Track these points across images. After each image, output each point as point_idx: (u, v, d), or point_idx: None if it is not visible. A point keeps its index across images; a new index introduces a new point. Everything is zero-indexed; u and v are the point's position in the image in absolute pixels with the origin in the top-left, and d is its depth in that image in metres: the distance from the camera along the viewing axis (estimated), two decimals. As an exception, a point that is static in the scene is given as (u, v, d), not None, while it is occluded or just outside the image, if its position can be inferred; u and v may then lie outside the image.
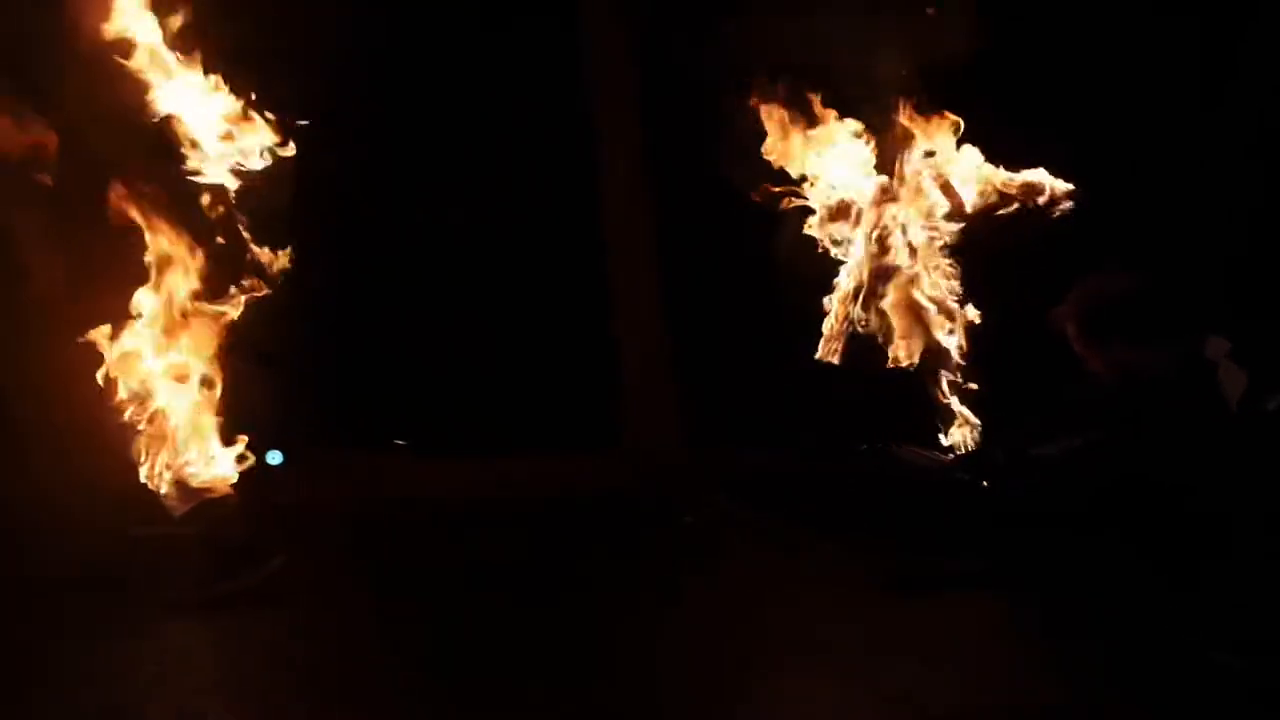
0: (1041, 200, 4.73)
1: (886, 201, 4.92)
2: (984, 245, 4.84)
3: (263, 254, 4.13)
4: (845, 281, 4.98)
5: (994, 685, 3.17)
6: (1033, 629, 3.65)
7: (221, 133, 4.01)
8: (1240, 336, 3.74)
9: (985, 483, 4.33)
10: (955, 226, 4.87)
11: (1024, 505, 4.10)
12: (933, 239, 4.89)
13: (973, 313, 4.89)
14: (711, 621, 3.75)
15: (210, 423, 4.02)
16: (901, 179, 4.90)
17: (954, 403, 4.88)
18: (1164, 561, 3.57)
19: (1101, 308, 3.98)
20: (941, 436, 4.89)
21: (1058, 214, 4.71)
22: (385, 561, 4.70)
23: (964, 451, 4.77)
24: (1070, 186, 4.71)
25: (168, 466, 3.94)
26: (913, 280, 4.88)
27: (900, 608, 3.80)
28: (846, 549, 4.42)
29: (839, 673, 3.27)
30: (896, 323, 4.90)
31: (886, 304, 4.93)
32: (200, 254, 3.98)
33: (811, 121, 4.99)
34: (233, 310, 4.01)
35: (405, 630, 3.72)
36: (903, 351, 4.89)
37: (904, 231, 4.90)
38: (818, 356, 4.92)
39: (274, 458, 5.87)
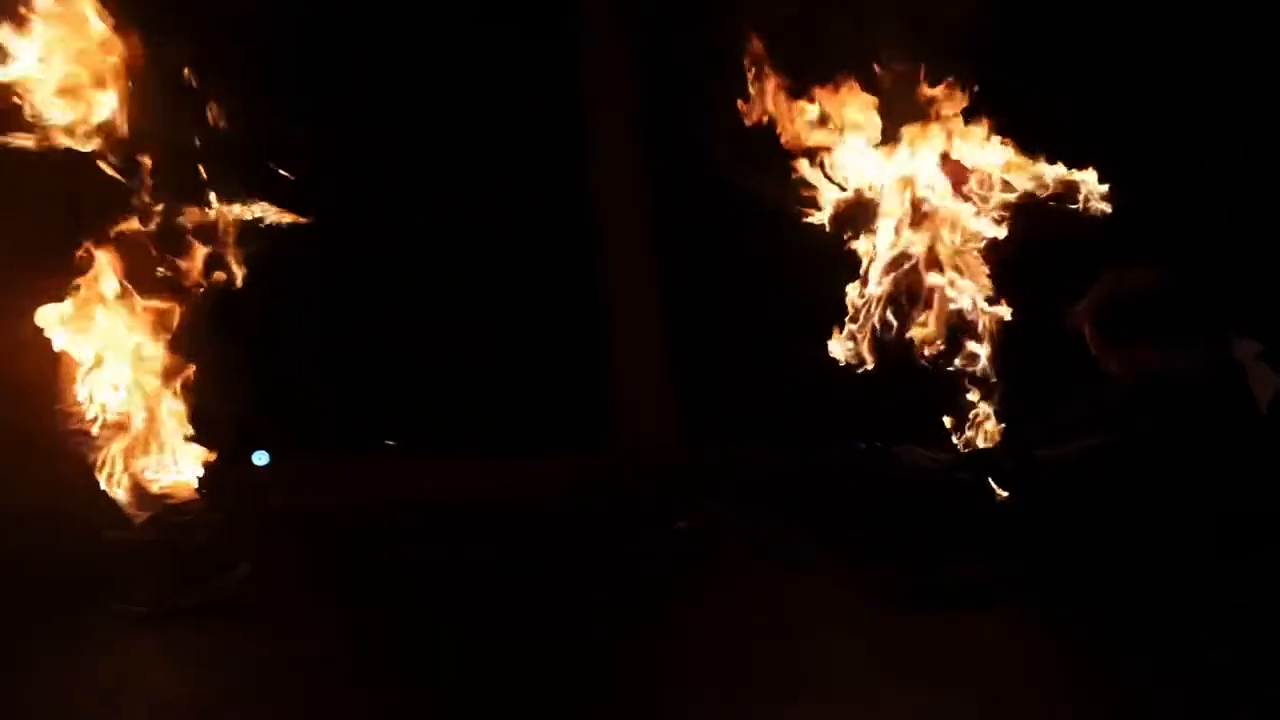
0: (1076, 199, 4.48)
1: (913, 189, 4.66)
2: (1007, 239, 4.58)
3: (227, 245, 3.90)
4: (867, 274, 4.70)
5: (1002, 702, 3.10)
6: (1042, 641, 3.59)
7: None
8: (1271, 338, 3.53)
9: (988, 484, 4.05)
10: (991, 220, 4.59)
11: (1029, 508, 3.92)
12: (965, 231, 4.61)
13: (1002, 310, 4.61)
14: (707, 639, 3.64)
15: (172, 424, 3.80)
16: (930, 166, 4.63)
17: (980, 403, 4.60)
18: (1179, 566, 3.39)
19: (1119, 306, 3.72)
20: (954, 437, 4.61)
21: (1093, 214, 4.47)
22: (371, 565, 4.62)
23: (967, 451, 4.49)
24: (1106, 188, 4.46)
25: (124, 471, 3.73)
26: (940, 273, 4.61)
27: (904, 621, 3.70)
28: (848, 557, 4.30)
29: (841, 692, 3.16)
30: (924, 318, 4.63)
31: (911, 298, 4.65)
32: (154, 240, 3.76)
33: (825, 104, 4.73)
34: (190, 299, 3.77)
35: (390, 635, 3.67)
36: (928, 348, 4.61)
37: (934, 222, 4.64)
38: (843, 354, 4.64)
39: (260, 458, 5.91)
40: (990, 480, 4.08)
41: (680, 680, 3.25)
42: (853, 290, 4.68)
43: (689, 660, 3.40)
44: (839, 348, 4.64)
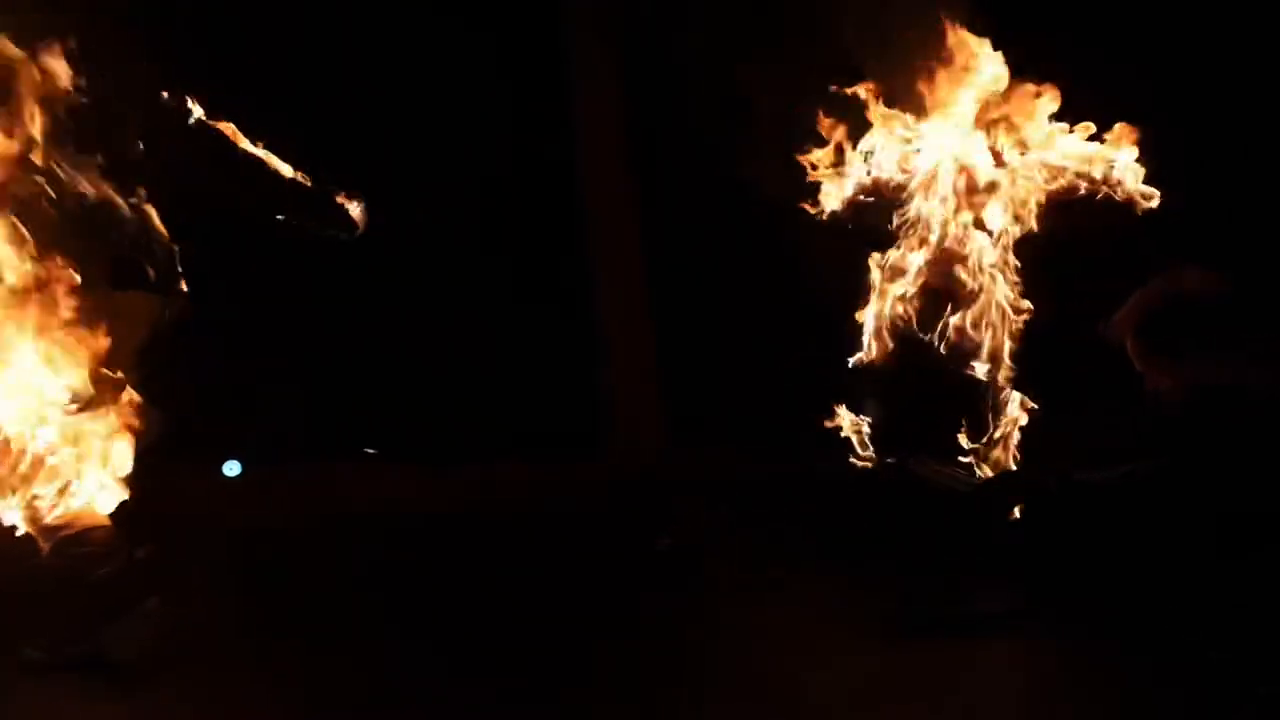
0: (1118, 195, 4.12)
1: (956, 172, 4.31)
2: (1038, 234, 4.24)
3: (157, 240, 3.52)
4: (888, 271, 4.37)
5: (1001, 700, 3.11)
6: (1041, 640, 3.45)
7: None
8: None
9: (1018, 508, 3.83)
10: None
11: (1065, 536, 3.68)
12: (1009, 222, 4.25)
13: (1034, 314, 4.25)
14: (692, 665, 3.45)
15: (70, 446, 3.39)
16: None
17: (1007, 416, 4.22)
18: (1181, 567, 3.37)
19: (1169, 313, 3.54)
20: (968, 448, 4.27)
21: (1138, 206, 4.11)
22: (349, 576, 4.48)
23: (995, 471, 4.16)
24: (1154, 191, 4.10)
25: (17, 498, 3.33)
26: (976, 273, 4.25)
27: (906, 653, 3.44)
28: (847, 581, 4.08)
29: (840, 705, 3.06)
30: (953, 321, 4.27)
31: (937, 300, 4.30)
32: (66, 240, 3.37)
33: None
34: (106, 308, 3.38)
35: (372, 651, 3.56)
36: (959, 356, 4.27)
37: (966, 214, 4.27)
38: (859, 359, 4.35)
39: (231, 469, 5.71)
40: (1020, 504, 3.81)
41: (674, 698, 3.17)
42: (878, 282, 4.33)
43: (684, 677, 3.32)
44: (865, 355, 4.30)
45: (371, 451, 5.89)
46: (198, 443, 5.17)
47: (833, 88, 4.39)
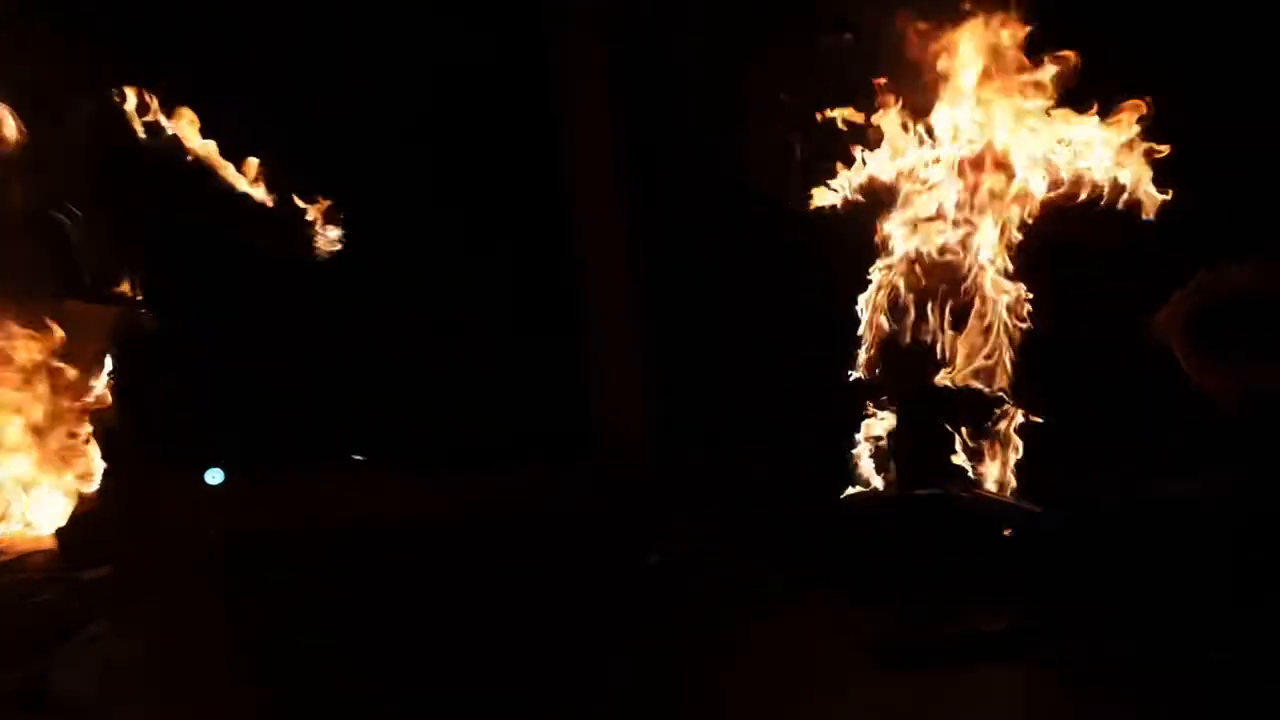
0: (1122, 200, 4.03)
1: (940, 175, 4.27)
2: (1051, 235, 4.18)
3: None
4: (885, 277, 4.35)
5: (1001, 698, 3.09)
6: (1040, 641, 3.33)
7: None
8: None
9: (1091, 535, 3.61)
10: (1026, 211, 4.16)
11: (1146, 561, 3.41)
12: (1004, 227, 4.21)
13: (1037, 321, 4.19)
14: (690, 670, 3.35)
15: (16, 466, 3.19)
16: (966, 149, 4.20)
17: (1010, 431, 4.16)
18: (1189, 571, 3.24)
19: (1220, 312, 3.32)
20: (978, 470, 4.17)
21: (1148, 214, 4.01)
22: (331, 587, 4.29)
23: (1000, 472, 4.07)
24: (1165, 197, 3.99)
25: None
26: (971, 280, 4.23)
27: (906, 680, 3.25)
28: (845, 603, 3.82)
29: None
30: (950, 333, 4.26)
31: (936, 308, 4.28)
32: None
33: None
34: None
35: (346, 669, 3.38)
36: (957, 367, 4.23)
37: (965, 216, 4.23)
38: (856, 372, 4.34)
39: (214, 476, 5.57)
40: (1091, 531, 3.63)
41: (674, 699, 3.11)
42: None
43: (682, 678, 3.24)
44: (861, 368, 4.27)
45: (359, 458, 5.80)
46: (181, 449, 5.03)
47: (831, 82, 4.32)
